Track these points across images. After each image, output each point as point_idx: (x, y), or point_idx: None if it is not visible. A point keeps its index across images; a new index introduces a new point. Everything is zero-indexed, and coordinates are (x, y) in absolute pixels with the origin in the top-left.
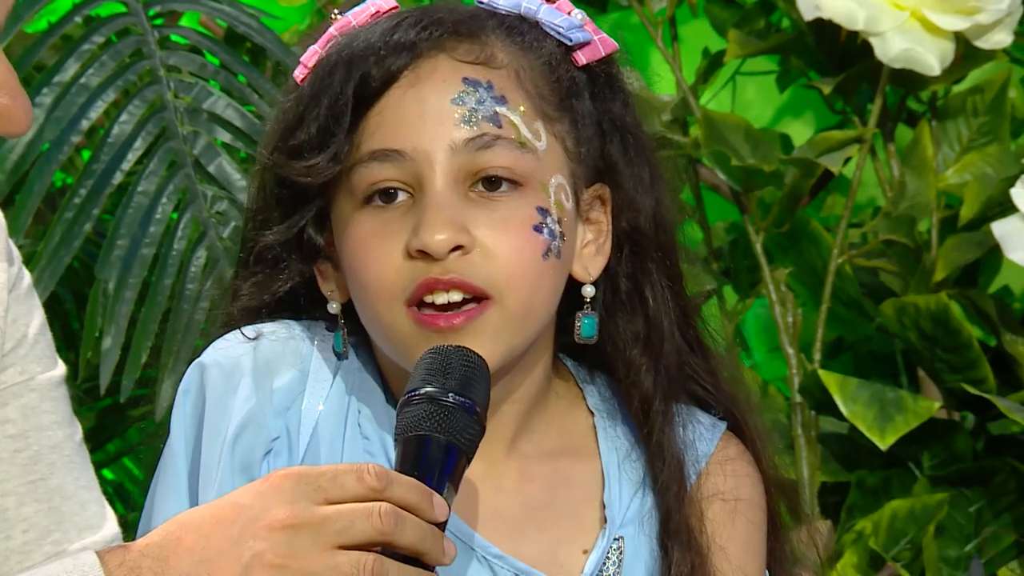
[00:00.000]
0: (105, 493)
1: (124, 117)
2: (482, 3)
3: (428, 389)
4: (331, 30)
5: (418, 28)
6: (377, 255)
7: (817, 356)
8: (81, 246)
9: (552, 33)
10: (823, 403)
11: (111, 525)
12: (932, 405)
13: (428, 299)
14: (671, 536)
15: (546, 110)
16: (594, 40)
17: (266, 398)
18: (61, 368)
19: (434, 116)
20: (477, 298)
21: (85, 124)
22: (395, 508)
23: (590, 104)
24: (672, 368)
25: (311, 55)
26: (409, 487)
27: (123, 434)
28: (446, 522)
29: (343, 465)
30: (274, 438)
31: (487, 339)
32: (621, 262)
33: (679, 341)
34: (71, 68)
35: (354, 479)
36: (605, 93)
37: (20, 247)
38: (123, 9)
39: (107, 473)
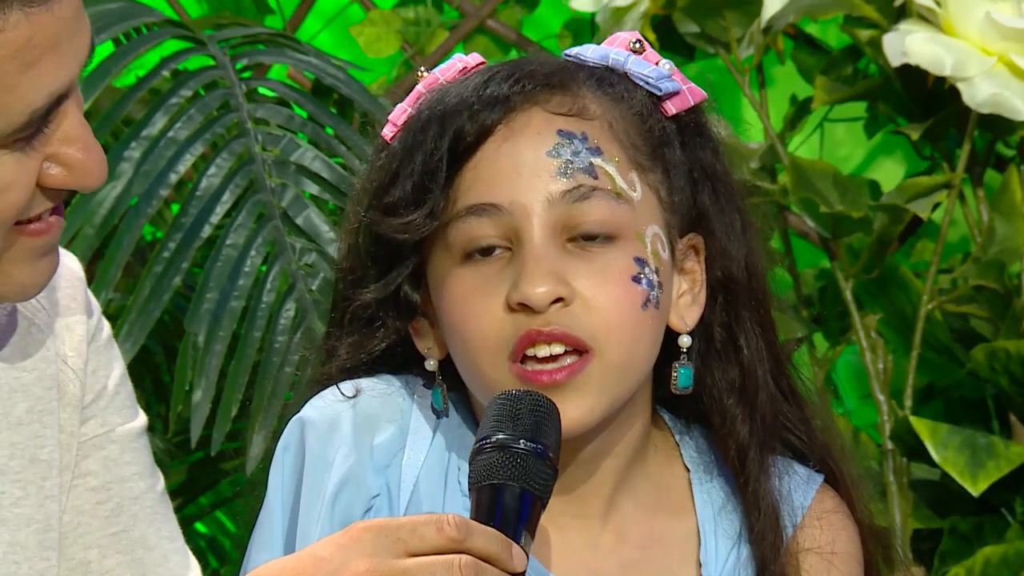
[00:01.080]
0: (198, 547)
1: (212, 170)
2: (570, 56)
3: (499, 436)
4: (419, 87)
5: (511, 82)
6: (477, 309)
7: (908, 402)
8: (171, 299)
9: (641, 84)
10: (914, 449)
11: (194, 575)
12: None
13: (531, 352)
14: None
15: (640, 160)
16: (683, 90)
17: (366, 455)
18: (142, 419)
19: (530, 169)
20: (578, 351)
21: (173, 177)
22: (475, 560)
23: (681, 153)
24: (767, 417)
25: (399, 113)
26: (488, 538)
27: (215, 487)
28: (524, 572)
29: (422, 516)
30: (374, 495)
31: (590, 393)
32: (715, 311)
33: (773, 390)
34: (159, 122)
35: (434, 530)
36: (695, 142)
37: (110, 301)
38: (211, 62)
39: (200, 527)
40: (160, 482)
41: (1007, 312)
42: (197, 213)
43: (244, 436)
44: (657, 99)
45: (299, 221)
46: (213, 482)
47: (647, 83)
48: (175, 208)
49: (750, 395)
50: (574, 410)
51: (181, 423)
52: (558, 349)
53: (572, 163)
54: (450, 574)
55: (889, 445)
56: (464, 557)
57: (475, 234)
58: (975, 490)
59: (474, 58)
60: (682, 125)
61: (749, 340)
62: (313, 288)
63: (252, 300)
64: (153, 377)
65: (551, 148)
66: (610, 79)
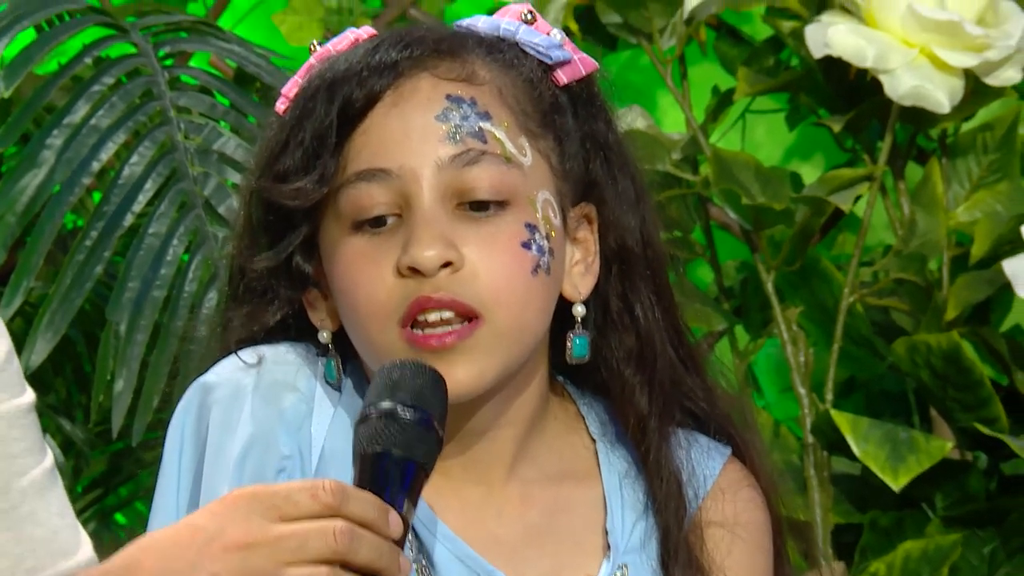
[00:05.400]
0: (118, 538)
1: (134, 159)
2: (461, 27)
3: (383, 405)
4: (311, 60)
5: (399, 47)
6: (368, 276)
7: (829, 396)
8: (92, 288)
9: (532, 52)
10: (835, 443)
11: (86, 549)
12: (945, 445)
13: (421, 317)
14: (671, 555)
15: (530, 126)
16: (574, 59)
17: (275, 415)
18: (30, 395)
19: (419, 134)
20: (467, 317)
21: (96, 166)
22: (351, 526)
23: (573, 122)
24: (666, 385)
25: (291, 86)
26: (365, 503)
27: (136, 477)
28: (404, 538)
29: (298, 482)
30: (285, 456)
31: (479, 358)
32: (610, 281)
33: (672, 358)
34: (81, 109)
35: (308, 496)
36: (588, 111)
37: (31, 289)
38: (133, 50)
39: (119, 517)
40: (49, 458)
41: (928, 305)
42: (119, 202)
43: (165, 426)
44: (548, 68)
45: (221, 210)
46: (134, 473)
47: (537, 51)
48: (97, 196)
49: (648, 364)
50: (464, 374)
51: (102, 413)
52: (448, 314)
53: (461, 128)
54: (324, 540)
55: (810, 439)
56: (339, 523)
57: (365, 201)
58: (896, 485)
59: (366, 30)
60: (574, 95)
61: (646, 309)
62: None
63: (174, 289)
64: (75, 366)
65: (440, 113)
66: (500, 47)
